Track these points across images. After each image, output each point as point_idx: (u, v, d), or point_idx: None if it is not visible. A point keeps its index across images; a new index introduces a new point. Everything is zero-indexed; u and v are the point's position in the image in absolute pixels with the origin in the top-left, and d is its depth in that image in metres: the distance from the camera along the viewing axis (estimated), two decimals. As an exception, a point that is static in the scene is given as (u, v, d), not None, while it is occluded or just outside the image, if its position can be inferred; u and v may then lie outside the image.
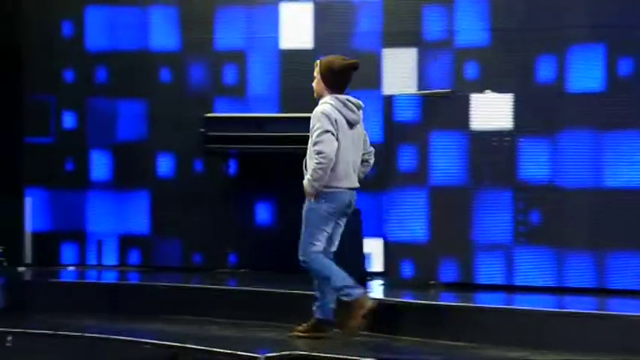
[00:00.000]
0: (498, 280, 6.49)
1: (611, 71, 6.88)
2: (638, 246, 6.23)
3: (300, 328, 5.58)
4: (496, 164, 6.49)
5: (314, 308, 5.54)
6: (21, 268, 7.66)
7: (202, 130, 7.25)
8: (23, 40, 7.92)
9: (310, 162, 5.38)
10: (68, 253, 7.93)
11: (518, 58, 7.15)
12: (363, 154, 5.62)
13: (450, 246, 6.55)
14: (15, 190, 7.87)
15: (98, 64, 7.93)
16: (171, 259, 7.75)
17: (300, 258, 5.42)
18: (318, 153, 5.29)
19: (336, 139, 5.33)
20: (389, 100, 6.78)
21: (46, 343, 5.71)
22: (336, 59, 5.54)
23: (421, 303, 5.98)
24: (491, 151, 6.50)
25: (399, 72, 7.46)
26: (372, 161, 5.67)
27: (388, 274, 6.83)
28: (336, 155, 5.34)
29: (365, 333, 5.79)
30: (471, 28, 7.33)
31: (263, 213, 7.60)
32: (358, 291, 5.42)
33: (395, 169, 6.67)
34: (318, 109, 5.43)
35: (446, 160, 6.58)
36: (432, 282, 6.57)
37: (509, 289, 6.43)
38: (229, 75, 7.76)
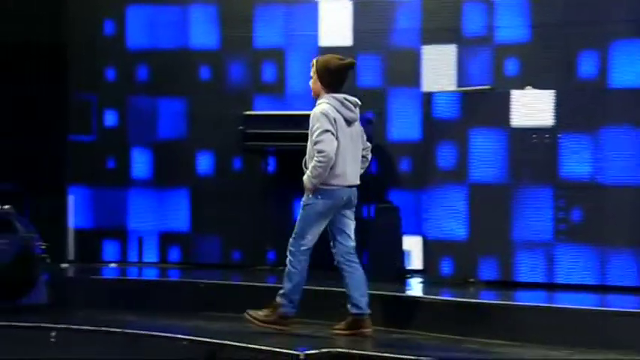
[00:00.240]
0: (539, 278, 6.44)
1: (654, 66, 6.79)
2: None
3: (339, 326, 5.61)
4: (536, 161, 6.44)
5: (348, 306, 5.57)
6: (64, 265, 7.76)
7: (241, 127, 7.27)
8: (68, 39, 8.02)
9: (310, 161, 5.49)
10: (110, 250, 8.02)
11: (559, 53, 7.07)
12: (362, 150, 5.70)
13: (490, 244, 6.51)
14: (58, 187, 7.97)
15: (139, 62, 8.00)
16: (210, 257, 7.79)
17: (292, 249, 5.55)
18: (319, 152, 5.41)
19: (335, 138, 5.44)
20: (428, 97, 6.76)
21: (88, 339, 5.77)
22: (332, 59, 5.63)
23: (460, 301, 5.95)
24: (532, 148, 6.45)
25: (439, 69, 7.42)
26: (369, 157, 5.77)
27: (427, 272, 6.81)
28: (336, 154, 5.45)
29: (403, 330, 5.78)
30: (512, 24, 7.27)
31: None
32: (292, 312, 5.59)
33: (434, 167, 6.64)
34: (316, 109, 5.53)
35: (485, 158, 6.54)
36: (472, 280, 6.53)
37: (550, 287, 6.38)
38: (268, 73, 7.78)
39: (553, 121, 6.42)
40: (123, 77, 8.03)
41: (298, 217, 5.59)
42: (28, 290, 6.49)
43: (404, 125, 7.51)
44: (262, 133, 7.23)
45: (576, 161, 6.38)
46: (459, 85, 7.25)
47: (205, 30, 7.90)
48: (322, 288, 6.19)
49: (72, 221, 8.03)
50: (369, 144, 5.74)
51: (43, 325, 5.88)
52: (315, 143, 5.43)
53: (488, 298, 6.10)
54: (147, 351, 5.54)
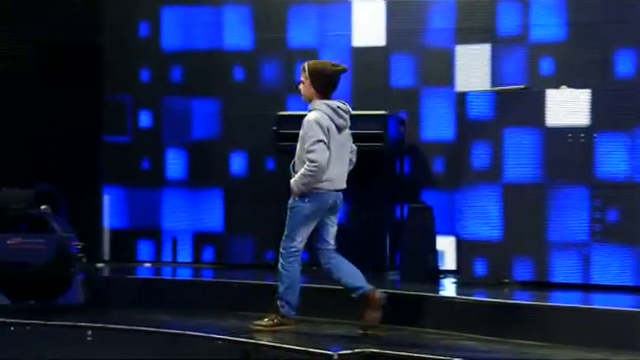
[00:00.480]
0: (574, 278, 6.38)
1: (692, 64, 6.71)
2: None
3: (364, 316, 5.67)
4: (572, 161, 6.39)
5: (353, 296, 5.68)
6: (99, 265, 7.83)
7: (275, 128, 7.29)
8: (104, 40, 8.09)
9: (300, 165, 5.59)
10: (144, 250, 8.07)
11: (595, 52, 7.01)
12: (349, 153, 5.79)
13: (524, 244, 6.46)
14: (94, 188, 8.04)
15: (173, 63, 8.05)
16: (243, 257, 7.82)
17: (282, 251, 5.67)
18: (311, 161, 5.50)
19: (327, 148, 5.53)
20: (462, 97, 6.73)
21: (124, 338, 5.81)
22: (326, 65, 5.72)
23: (494, 301, 5.91)
24: (567, 148, 6.39)
25: (473, 69, 7.38)
26: (354, 160, 5.84)
27: (461, 272, 6.78)
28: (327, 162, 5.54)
29: (436, 331, 5.76)
30: (547, 23, 7.22)
31: (334, 211, 7.60)
32: (291, 313, 5.67)
33: (468, 167, 6.61)
34: (310, 117, 5.60)
35: (520, 157, 6.50)
36: (506, 280, 6.49)
37: (585, 287, 6.32)
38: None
39: (589, 120, 6.36)
40: (157, 78, 8.08)
41: (287, 220, 5.69)
42: (65, 290, 6.55)
43: (437, 125, 7.48)
44: (295, 133, 7.21)
45: (612, 161, 6.32)
46: (493, 85, 7.21)
47: (239, 31, 7.93)
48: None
49: (107, 221, 8.10)
50: (354, 147, 5.83)
51: (79, 324, 5.94)
52: (308, 152, 5.52)
53: (522, 299, 6.06)
54: (181, 350, 5.57)
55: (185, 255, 8.00)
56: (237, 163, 7.89)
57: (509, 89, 6.76)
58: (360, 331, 5.65)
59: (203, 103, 7.99)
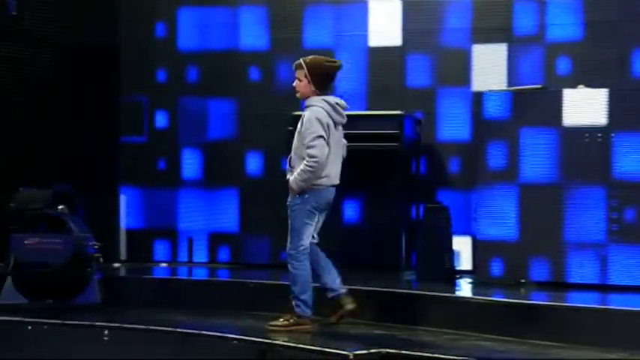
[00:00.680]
0: (591, 279, 6.35)
1: None
2: None
3: (331, 319, 5.76)
4: (589, 161, 6.36)
5: (328, 294, 5.75)
6: (116, 265, 7.86)
7: (290, 128, 7.27)
8: (121, 41, 8.11)
9: (298, 161, 5.59)
10: (160, 250, 8.09)
11: (613, 51, 6.98)
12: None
13: (541, 244, 6.44)
14: (110, 188, 8.07)
15: (189, 63, 8.06)
16: (259, 257, 7.83)
17: (292, 252, 5.64)
18: (311, 157, 5.51)
19: (327, 144, 5.55)
20: (478, 96, 6.71)
21: (140, 338, 5.83)
22: (323, 61, 5.73)
23: (511, 301, 5.89)
24: (584, 148, 6.36)
25: (489, 68, 7.36)
26: (344, 154, 5.85)
27: (477, 272, 6.76)
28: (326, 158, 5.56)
29: (452, 331, 5.74)
30: (564, 22, 7.19)
31: (350, 211, 7.60)
32: (307, 312, 5.67)
33: (484, 167, 6.59)
34: (310, 113, 5.60)
35: (536, 157, 6.48)
36: (522, 280, 6.47)
37: (602, 288, 6.29)
38: (317, 73, 7.77)
39: (606, 120, 6.33)
40: (173, 78, 8.10)
41: (290, 221, 5.66)
42: (82, 289, 6.58)
43: (453, 125, 7.47)
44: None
45: (630, 161, 6.29)
46: (510, 85, 7.19)
47: (255, 31, 7.94)
48: (366, 288, 6.18)
49: (123, 221, 8.13)
50: (345, 141, 5.84)
51: (96, 323, 5.97)
52: (308, 147, 5.52)
53: (539, 299, 6.03)
54: (197, 350, 5.58)
55: (201, 255, 8.01)
56: (253, 163, 7.90)
57: (525, 89, 6.73)
58: (333, 319, 5.73)
59: (219, 103, 8.01)
